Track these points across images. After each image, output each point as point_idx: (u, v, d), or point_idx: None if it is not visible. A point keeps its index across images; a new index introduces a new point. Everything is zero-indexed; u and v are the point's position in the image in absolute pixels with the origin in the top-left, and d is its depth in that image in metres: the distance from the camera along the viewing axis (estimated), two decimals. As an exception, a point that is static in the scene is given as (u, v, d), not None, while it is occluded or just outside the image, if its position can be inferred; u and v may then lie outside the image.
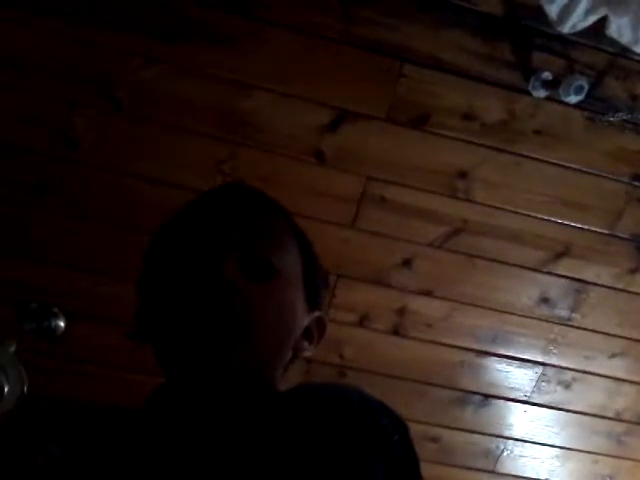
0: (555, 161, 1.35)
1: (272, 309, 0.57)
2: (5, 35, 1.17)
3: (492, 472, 1.67)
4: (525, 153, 1.34)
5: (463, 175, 1.35)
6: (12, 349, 1.15)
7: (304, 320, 0.64)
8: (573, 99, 1.26)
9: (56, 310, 1.28)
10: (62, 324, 1.28)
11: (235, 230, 0.59)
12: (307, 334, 0.66)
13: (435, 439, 1.60)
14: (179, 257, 0.58)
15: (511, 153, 1.34)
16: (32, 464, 0.53)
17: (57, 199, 1.31)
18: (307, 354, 0.66)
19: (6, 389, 1.07)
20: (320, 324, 0.68)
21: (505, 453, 1.65)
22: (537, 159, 1.35)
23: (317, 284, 0.67)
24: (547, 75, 1.26)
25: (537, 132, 1.32)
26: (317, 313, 0.68)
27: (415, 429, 0.52)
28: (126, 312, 0.65)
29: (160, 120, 1.26)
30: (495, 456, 1.65)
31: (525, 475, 1.69)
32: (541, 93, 1.28)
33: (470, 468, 1.66)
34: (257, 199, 0.65)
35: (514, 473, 1.68)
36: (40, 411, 1.28)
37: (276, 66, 1.23)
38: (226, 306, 0.53)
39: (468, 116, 1.30)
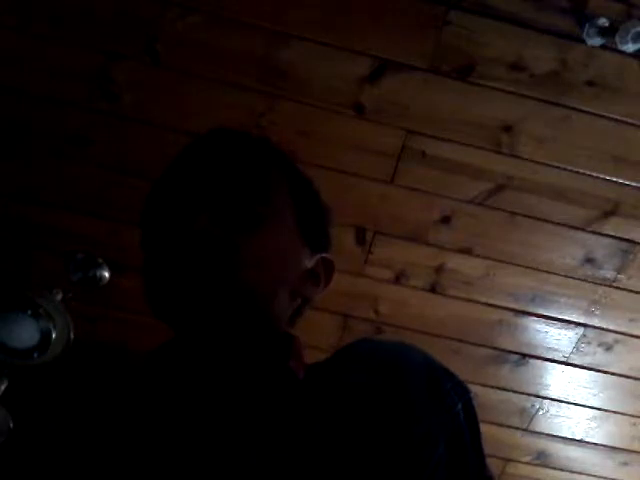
0: (608, 114, 1.28)
1: (256, 256, 0.56)
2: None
3: (526, 430, 1.67)
4: (576, 106, 1.27)
5: (508, 129, 1.29)
6: (59, 297, 1.20)
7: (304, 262, 0.63)
8: (631, 47, 1.17)
9: (101, 261, 1.32)
10: (107, 274, 1.32)
11: (211, 186, 0.59)
12: (313, 276, 0.64)
13: (469, 396, 1.60)
14: (156, 217, 0.61)
15: (561, 106, 1.27)
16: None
17: (99, 152, 1.33)
18: (316, 296, 0.65)
19: (54, 335, 1.12)
20: (327, 265, 0.66)
21: (540, 412, 1.64)
22: (588, 112, 1.27)
23: (315, 225, 0.65)
24: (603, 21, 1.17)
25: (590, 84, 1.25)
26: (321, 254, 0.66)
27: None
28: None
29: (197, 72, 1.24)
30: (530, 414, 1.65)
31: (560, 434, 1.68)
32: (596, 41, 1.20)
33: (503, 425, 1.66)
34: (239, 145, 0.64)
35: (548, 432, 1.68)
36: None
37: (315, 14, 1.19)
38: (203, 261, 0.54)
39: (516, 66, 1.23)
